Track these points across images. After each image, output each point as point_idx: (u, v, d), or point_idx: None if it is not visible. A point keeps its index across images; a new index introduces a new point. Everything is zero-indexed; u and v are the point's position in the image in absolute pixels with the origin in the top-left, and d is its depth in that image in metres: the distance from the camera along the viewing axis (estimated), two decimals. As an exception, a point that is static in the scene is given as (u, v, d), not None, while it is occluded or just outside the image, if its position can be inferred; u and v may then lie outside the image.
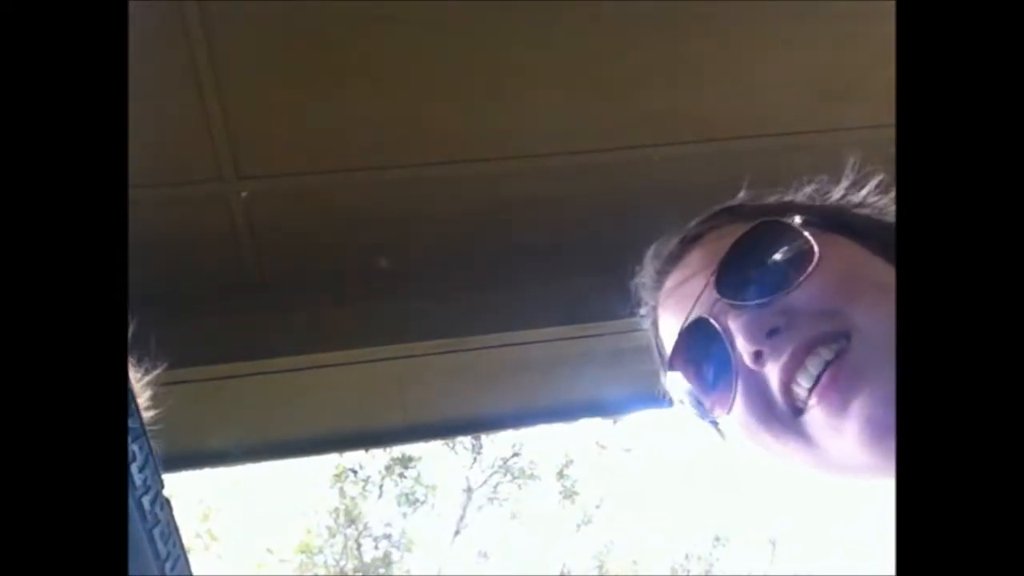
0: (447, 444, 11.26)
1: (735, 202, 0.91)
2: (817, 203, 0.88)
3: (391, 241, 1.76)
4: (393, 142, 1.63)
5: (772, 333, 0.74)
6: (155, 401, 0.88)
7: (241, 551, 10.84)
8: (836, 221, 0.83)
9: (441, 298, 1.75)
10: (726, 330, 0.77)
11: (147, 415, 0.81)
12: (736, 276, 0.79)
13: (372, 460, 11.18)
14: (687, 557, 11.74)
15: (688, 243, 0.88)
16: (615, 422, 11.24)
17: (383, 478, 11.35)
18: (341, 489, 11.27)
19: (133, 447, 0.65)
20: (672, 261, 0.88)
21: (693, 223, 0.90)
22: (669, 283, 0.87)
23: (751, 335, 0.75)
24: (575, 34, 1.52)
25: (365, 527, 11.31)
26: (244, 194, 1.62)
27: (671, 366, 0.84)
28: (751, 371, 0.76)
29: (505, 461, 11.62)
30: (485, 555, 11.49)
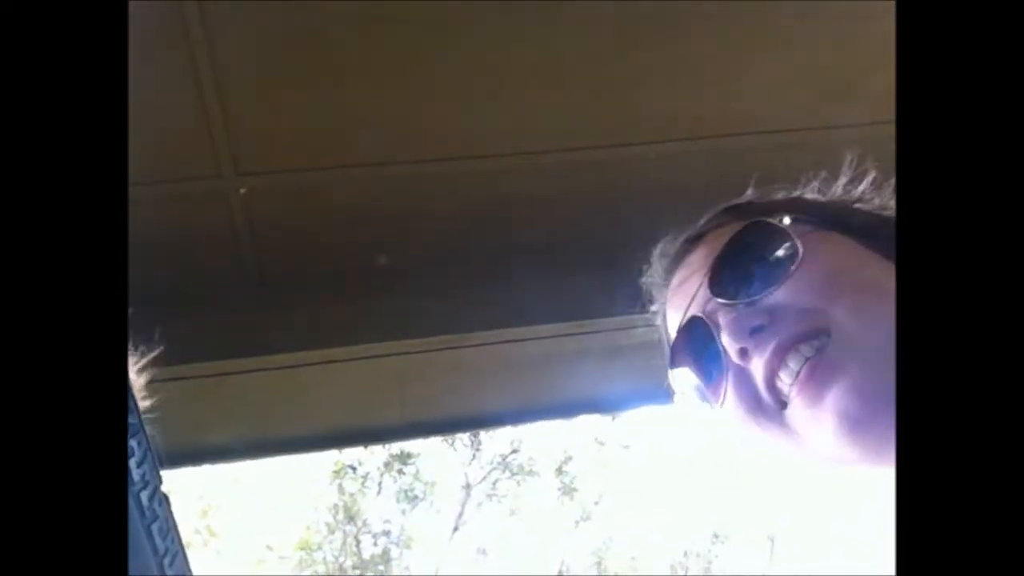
0: (446, 441, 11.27)
1: (739, 200, 0.93)
2: (820, 200, 0.91)
3: (390, 238, 1.76)
4: (392, 139, 1.63)
5: (756, 331, 0.78)
6: (150, 390, 0.88)
7: (240, 547, 10.85)
8: (835, 218, 0.86)
9: (440, 295, 1.76)
10: (717, 327, 0.81)
11: (143, 404, 0.82)
12: (726, 276, 0.83)
13: (371, 457, 11.20)
14: (686, 554, 11.75)
15: (691, 242, 0.91)
16: (614, 418, 11.26)
17: (382, 475, 11.35)
18: (340, 486, 11.27)
19: (132, 443, 0.65)
20: (677, 260, 0.92)
21: (699, 222, 0.92)
22: (675, 281, 0.91)
23: (736, 333, 0.79)
24: (573, 33, 1.52)
25: (364, 523, 11.32)
26: (243, 191, 1.62)
27: (671, 362, 0.88)
28: (739, 367, 0.80)
29: (504, 458, 11.63)
30: (484, 552, 11.51)
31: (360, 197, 1.71)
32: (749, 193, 0.93)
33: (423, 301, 1.75)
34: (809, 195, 0.92)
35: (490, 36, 1.52)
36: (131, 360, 0.90)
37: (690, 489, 12.49)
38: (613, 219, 1.74)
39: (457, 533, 11.43)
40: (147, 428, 0.68)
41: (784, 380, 0.77)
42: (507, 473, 11.69)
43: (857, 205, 0.89)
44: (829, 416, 0.74)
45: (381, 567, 11.24)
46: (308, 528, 11.21)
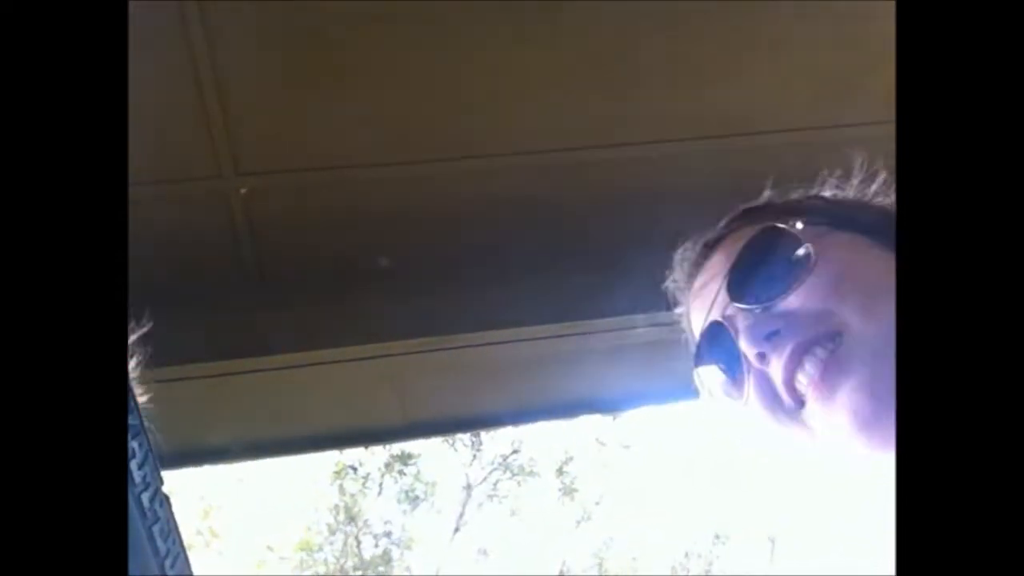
0: (447, 441, 11.27)
1: (754, 203, 0.96)
2: (836, 199, 0.93)
3: (390, 238, 1.76)
4: (391, 139, 1.63)
5: (772, 335, 0.81)
6: (150, 391, 0.88)
7: (241, 548, 10.85)
8: (849, 218, 0.88)
9: (441, 295, 1.76)
10: (736, 332, 0.84)
11: (143, 404, 0.81)
12: (742, 281, 0.86)
13: (372, 457, 11.20)
14: (687, 555, 11.75)
15: (710, 247, 0.94)
16: (614, 419, 11.26)
17: (383, 475, 11.36)
18: (341, 486, 11.28)
19: (132, 444, 0.65)
20: (697, 264, 0.95)
21: (719, 224, 0.95)
22: (696, 285, 0.94)
23: (754, 338, 0.82)
24: (573, 33, 1.52)
25: (365, 524, 11.32)
26: (243, 191, 1.62)
27: (695, 363, 0.92)
28: (758, 369, 0.83)
29: (505, 458, 11.63)
30: (485, 552, 11.51)
31: (360, 197, 1.71)
32: (767, 194, 0.96)
33: (424, 301, 1.75)
34: (827, 192, 0.94)
35: (490, 36, 1.52)
36: (131, 360, 0.90)
37: (691, 489, 12.48)
38: (612, 219, 1.74)
39: (458, 534, 11.43)
40: (147, 429, 0.68)
41: (802, 381, 0.80)
42: (508, 473, 11.69)
43: (875, 201, 0.91)
44: (842, 414, 0.76)
45: (382, 568, 11.24)
46: (309, 529, 11.22)
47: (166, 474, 0.70)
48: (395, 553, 11.37)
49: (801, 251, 0.83)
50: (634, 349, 1.72)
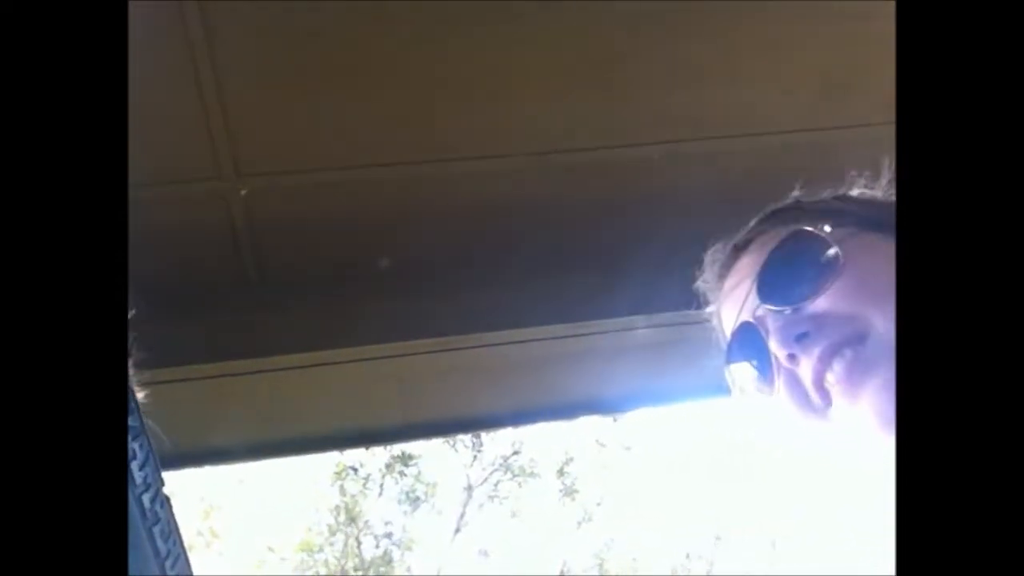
0: (447, 442, 11.27)
1: (782, 204, 0.98)
2: (864, 199, 0.95)
3: (390, 239, 1.76)
4: (392, 140, 1.63)
5: (802, 337, 0.84)
6: (150, 391, 0.88)
7: (242, 549, 10.86)
8: (876, 220, 0.90)
9: (441, 296, 1.75)
10: (766, 332, 0.87)
11: (143, 405, 0.81)
12: (772, 284, 0.89)
13: (372, 458, 11.20)
14: (688, 556, 11.75)
15: (740, 249, 0.97)
16: (615, 420, 11.25)
17: (383, 476, 11.35)
18: (341, 487, 11.27)
19: (133, 445, 0.65)
20: (727, 265, 0.98)
21: (748, 225, 0.97)
22: (726, 286, 0.97)
23: (784, 339, 0.85)
24: (573, 32, 1.52)
25: (365, 525, 11.32)
26: (243, 192, 1.62)
27: (727, 361, 0.95)
28: (788, 368, 0.86)
29: (505, 459, 11.63)
30: (485, 553, 11.50)
31: (360, 197, 1.71)
32: (794, 195, 0.97)
33: (424, 302, 1.75)
34: (855, 191, 0.95)
35: (490, 36, 1.52)
36: (131, 361, 0.90)
37: (692, 491, 12.47)
38: (613, 219, 1.74)
39: (459, 534, 11.43)
40: (148, 430, 0.68)
41: (830, 380, 0.83)
42: (508, 474, 11.69)
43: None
44: (866, 412, 0.80)
45: (383, 568, 11.24)
46: (310, 530, 11.22)
47: (166, 475, 0.70)
48: (396, 554, 11.37)
49: (830, 254, 0.85)
50: (634, 350, 1.72)
